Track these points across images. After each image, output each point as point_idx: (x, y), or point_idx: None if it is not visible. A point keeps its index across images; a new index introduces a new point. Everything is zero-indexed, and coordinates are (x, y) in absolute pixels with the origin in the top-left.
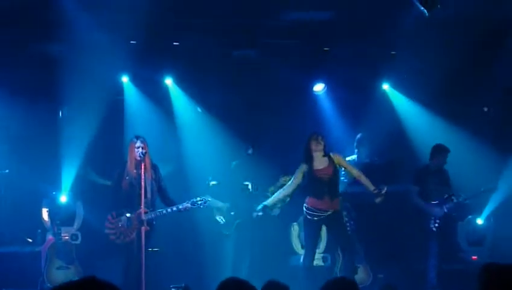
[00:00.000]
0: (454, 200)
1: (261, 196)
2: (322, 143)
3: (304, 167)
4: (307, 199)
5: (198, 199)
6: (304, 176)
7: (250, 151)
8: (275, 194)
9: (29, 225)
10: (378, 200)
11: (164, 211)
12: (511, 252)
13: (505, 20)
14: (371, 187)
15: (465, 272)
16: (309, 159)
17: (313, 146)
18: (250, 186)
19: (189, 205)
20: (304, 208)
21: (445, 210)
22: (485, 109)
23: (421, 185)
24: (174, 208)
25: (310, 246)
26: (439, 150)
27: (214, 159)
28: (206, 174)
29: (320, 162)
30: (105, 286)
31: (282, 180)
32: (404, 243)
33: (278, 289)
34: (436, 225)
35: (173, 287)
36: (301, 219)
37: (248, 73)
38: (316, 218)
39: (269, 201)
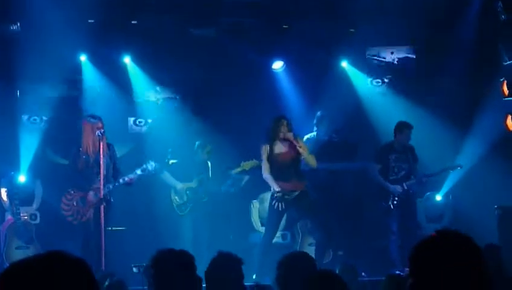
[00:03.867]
0: (412, 180)
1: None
2: (291, 128)
3: (265, 148)
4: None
5: (149, 164)
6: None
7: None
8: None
9: None
10: None
11: (116, 183)
12: (469, 228)
13: None
14: None
15: None
16: (272, 142)
17: (282, 131)
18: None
19: (139, 172)
20: (272, 191)
21: (405, 187)
22: None
23: (382, 163)
24: (126, 178)
25: (273, 228)
26: (401, 127)
27: (173, 138)
28: (165, 153)
29: (281, 146)
30: (73, 260)
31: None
32: (364, 221)
33: (229, 262)
34: (395, 202)
35: (134, 267)
36: (261, 196)
37: (207, 51)
38: (283, 201)
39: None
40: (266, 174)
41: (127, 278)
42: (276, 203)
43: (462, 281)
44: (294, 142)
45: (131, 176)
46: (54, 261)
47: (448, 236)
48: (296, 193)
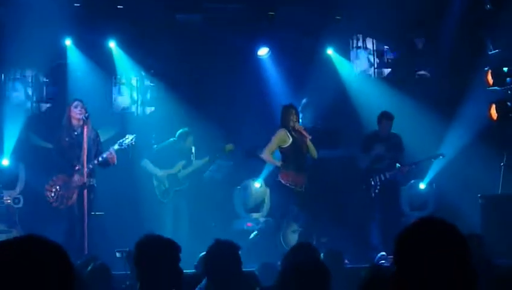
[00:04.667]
0: (395, 168)
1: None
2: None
3: (284, 134)
4: (286, 173)
5: (125, 138)
6: (283, 143)
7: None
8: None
9: None
10: None
11: (95, 161)
12: (452, 217)
13: None
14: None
15: None
16: (290, 129)
17: (292, 120)
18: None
19: (116, 147)
20: (282, 180)
21: (387, 177)
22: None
23: (367, 152)
24: (104, 155)
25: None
26: (380, 118)
27: (158, 124)
28: (149, 138)
29: (295, 135)
30: (46, 244)
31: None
32: (347, 208)
33: (227, 248)
34: (376, 191)
35: (117, 252)
36: (245, 183)
37: (192, 37)
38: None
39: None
40: (268, 155)
41: (110, 263)
42: (286, 189)
43: (445, 269)
44: (304, 132)
45: (111, 150)
46: (32, 245)
47: (433, 224)
48: (303, 189)
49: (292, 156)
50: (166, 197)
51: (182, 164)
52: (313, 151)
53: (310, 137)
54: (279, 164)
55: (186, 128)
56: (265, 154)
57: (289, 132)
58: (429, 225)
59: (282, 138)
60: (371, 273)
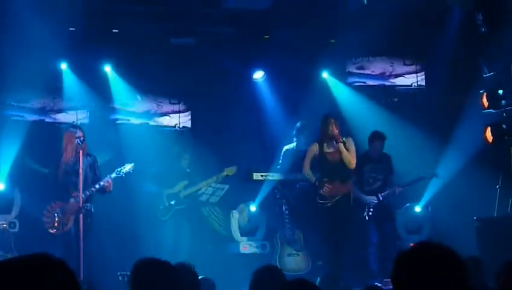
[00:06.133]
0: (388, 190)
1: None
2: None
3: (315, 148)
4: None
5: (123, 167)
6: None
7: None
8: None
9: None
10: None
11: (93, 189)
12: (448, 240)
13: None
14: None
15: None
16: (321, 141)
17: (330, 130)
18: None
19: (113, 175)
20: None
21: (381, 198)
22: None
23: (357, 174)
24: (101, 183)
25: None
26: (372, 138)
27: (154, 147)
28: (145, 161)
29: (330, 145)
30: (59, 262)
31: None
32: (343, 231)
33: (185, 274)
34: (370, 213)
35: (120, 275)
36: (241, 206)
37: (188, 60)
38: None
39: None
40: (307, 171)
41: (112, 286)
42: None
43: None
44: (337, 137)
45: (107, 178)
46: (42, 262)
47: (430, 248)
48: (337, 198)
49: (323, 167)
50: (165, 215)
51: (183, 184)
52: (347, 159)
53: (343, 140)
54: (313, 179)
55: (180, 147)
56: (305, 170)
57: (320, 144)
58: (427, 249)
59: (313, 151)
60: None
